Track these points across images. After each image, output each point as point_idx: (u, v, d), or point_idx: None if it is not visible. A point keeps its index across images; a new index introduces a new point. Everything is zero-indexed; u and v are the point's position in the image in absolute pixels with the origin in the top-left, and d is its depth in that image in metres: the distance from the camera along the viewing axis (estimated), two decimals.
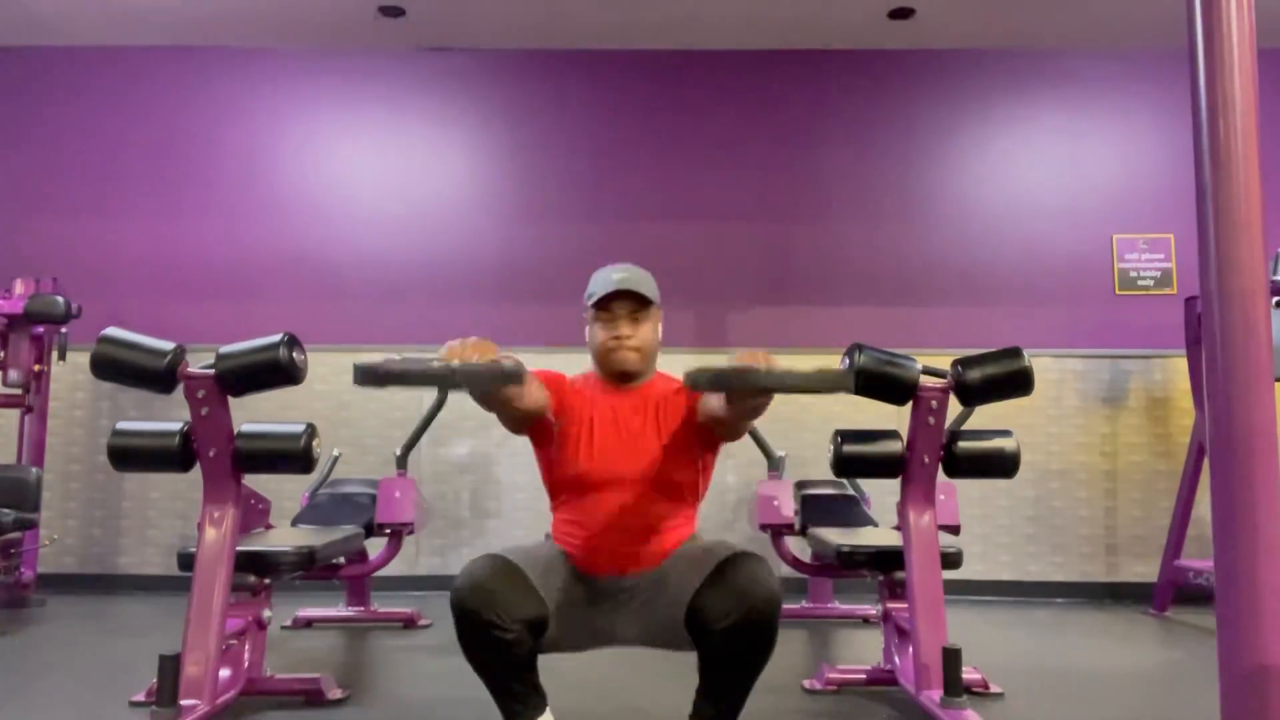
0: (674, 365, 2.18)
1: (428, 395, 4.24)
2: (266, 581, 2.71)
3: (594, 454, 2.05)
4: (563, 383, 2.12)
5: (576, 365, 2.24)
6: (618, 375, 2.11)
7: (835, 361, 2.76)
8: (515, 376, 1.65)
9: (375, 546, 3.61)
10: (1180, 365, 4.43)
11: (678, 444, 2.07)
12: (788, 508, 3.80)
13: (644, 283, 2.10)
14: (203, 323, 4.67)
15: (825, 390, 1.66)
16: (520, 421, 2.04)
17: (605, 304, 2.08)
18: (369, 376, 1.58)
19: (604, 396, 2.12)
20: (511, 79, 5.00)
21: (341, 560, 3.43)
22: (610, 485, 2.04)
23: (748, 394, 1.73)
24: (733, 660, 1.87)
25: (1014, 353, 2.67)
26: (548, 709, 2.00)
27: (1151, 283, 4.84)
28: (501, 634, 1.83)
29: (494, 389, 1.80)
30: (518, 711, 1.94)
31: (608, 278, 2.09)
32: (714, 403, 1.95)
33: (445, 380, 1.67)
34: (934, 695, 2.37)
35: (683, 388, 2.06)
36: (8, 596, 3.98)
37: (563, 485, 2.10)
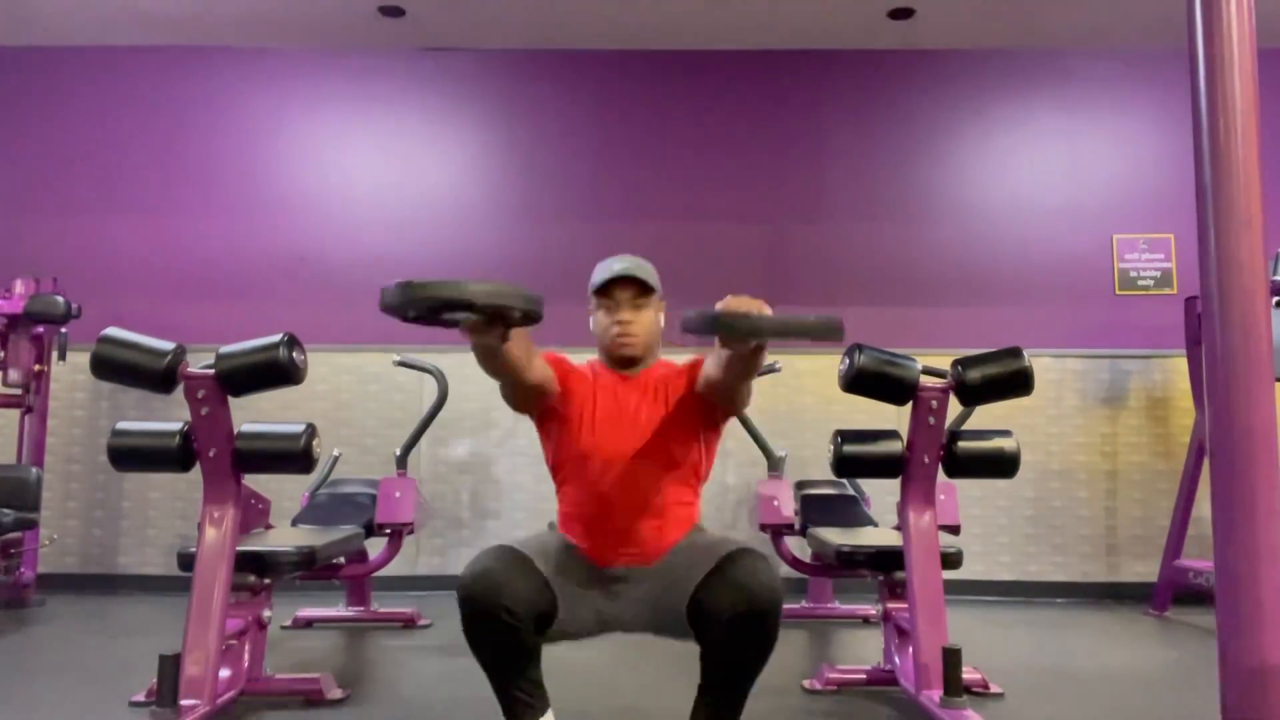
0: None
1: (428, 395, 4.24)
2: (266, 581, 2.71)
3: (595, 432, 2.08)
4: (566, 365, 2.16)
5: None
6: (621, 361, 2.15)
7: (835, 362, 2.76)
8: (538, 305, 1.71)
9: (375, 546, 3.61)
10: (1180, 365, 4.43)
11: (679, 419, 2.09)
12: (788, 508, 3.80)
13: (645, 270, 2.13)
14: (203, 323, 4.67)
15: (819, 336, 1.65)
16: (523, 395, 2.05)
17: (607, 291, 2.12)
18: (396, 299, 1.66)
19: (607, 381, 2.15)
20: (511, 79, 5.00)
21: (341, 560, 3.43)
22: (611, 462, 2.05)
23: (740, 338, 1.73)
24: (733, 655, 1.87)
25: (1014, 353, 2.67)
26: (550, 710, 2.00)
27: (1151, 283, 4.84)
28: (510, 621, 1.83)
29: (505, 352, 1.85)
30: (521, 711, 1.94)
31: (609, 266, 2.13)
32: (711, 368, 1.99)
33: (469, 306, 1.69)
34: (934, 695, 2.37)
35: (683, 369, 2.12)
36: (8, 596, 3.98)
37: (565, 465, 2.12)
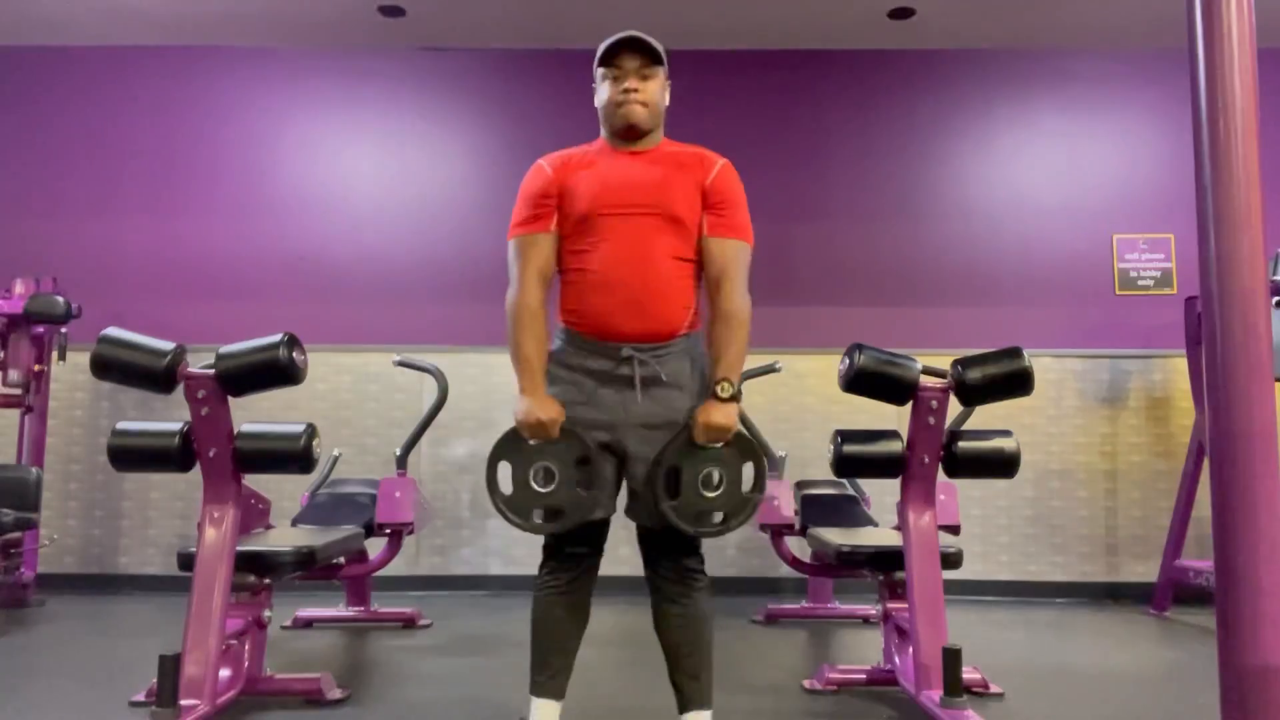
0: None
1: (428, 395, 4.24)
2: (266, 581, 2.71)
3: (598, 191, 2.04)
4: (546, 177, 2.10)
5: None
6: (625, 131, 2.09)
7: (835, 362, 2.76)
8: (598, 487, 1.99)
9: (375, 546, 3.61)
10: (1180, 365, 4.43)
11: (684, 194, 2.06)
12: (788, 508, 3.80)
13: (651, 40, 2.11)
14: (203, 323, 4.67)
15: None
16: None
17: (613, 60, 2.09)
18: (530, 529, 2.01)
19: (610, 154, 2.11)
20: (511, 79, 5.00)
21: (341, 560, 3.43)
22: (616, 217, 2.01)
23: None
24: (670, 626, 2.08)
25: (1014, 353, 2.67)
26: (560, 703, 2.05)
27: (1151, 283, 4.84)
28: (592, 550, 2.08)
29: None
30: (543, 682, 2.04)
31: (615, 37, 2.10)
32: (710, 270, 2.06)
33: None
34: (934, 695, 2.37)
35: (698, 162, 2.12)
36: (8, 596, 3.98)
37: (570, 232, 2.06)
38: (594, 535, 2.07)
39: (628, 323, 2.00)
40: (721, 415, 1.95)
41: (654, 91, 2.11)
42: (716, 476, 1.99)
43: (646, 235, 2.01)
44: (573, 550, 2.06)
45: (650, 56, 2.09)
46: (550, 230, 2.06)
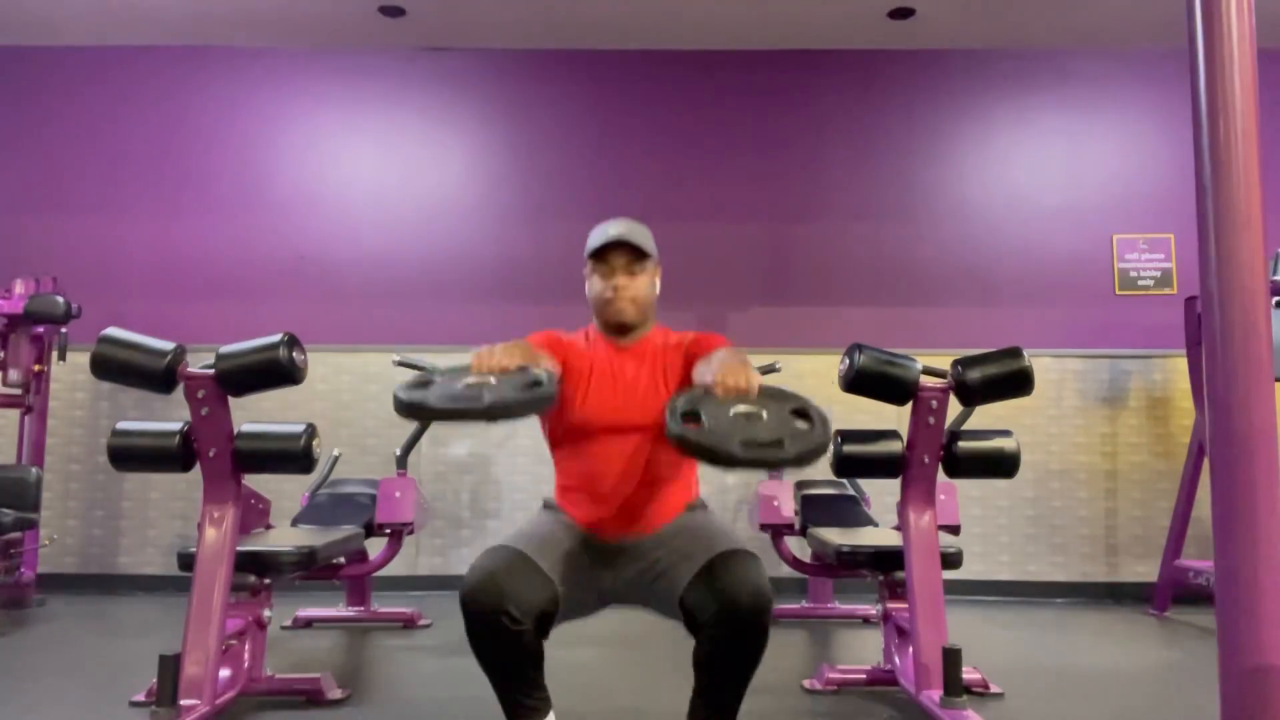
0: None
1: None
2: (266, 581, 2.71)
3: (592, 402, 2.07)
4: (561, 343, 2.13)
5: None
6: (615, 327, 2.14)
7: (835, 362, 2.76)
8: (550, 398, 1.72)
9: (375, 546, 3.61)
10: (1180, 365, 4.42)
11: (671, 389, 2.07)
12: (788, 508, 3.80)
13: (640, 235, 2.13)
14: (203, 323, 4.67)
15: (799, 464, 1.67)
16: None
17: (602, 255, 2.11)
18: (411, 412, 1.71)
19: (602, 349, 2.15)
20: (511, 79, 5.00)
21: (342, 560, 3.42)
22: (609, 433, 2.05)
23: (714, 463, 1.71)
24: (721, 659, 1.86)
25: (1014, 353, 2.67)
26: (551, 713, 2.00)
27: (1151, 283, 4.84)
28: (513, 627, 1.82)
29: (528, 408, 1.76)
30: (524, 715, 1.94)
31: (605, 231, 2.12)
32: (702, 374, 1.97)
33: (484, 416, 1.70)
34: (934, 695, 2.37)
35: (681, 344, 2.12)
36: (8, 596, 3.98)
37: (563, 437, 2.11)
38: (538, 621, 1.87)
39: (623, 528, 2.05)
40: (731, 361, 1.78)
41: (643, 286, 2.13)
42: (760, 412, 1.67)
43: (641, 450, 2.04)
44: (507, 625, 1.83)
45: (639, 252, 2.11)
46: (547, 355, 2.00)
